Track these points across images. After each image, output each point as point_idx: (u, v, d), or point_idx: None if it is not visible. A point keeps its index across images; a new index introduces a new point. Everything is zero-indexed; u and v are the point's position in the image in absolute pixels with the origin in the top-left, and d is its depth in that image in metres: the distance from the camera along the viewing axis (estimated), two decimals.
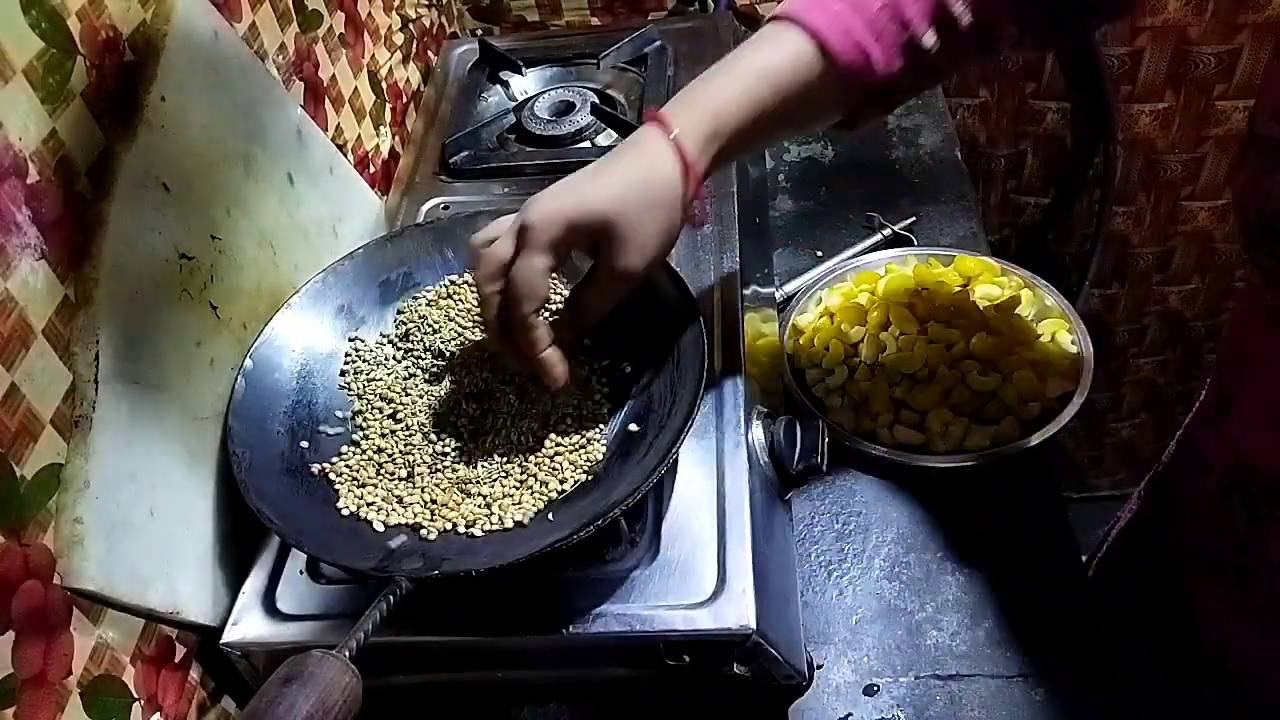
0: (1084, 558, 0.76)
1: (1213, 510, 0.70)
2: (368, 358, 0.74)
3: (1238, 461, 0.66)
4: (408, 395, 0.71)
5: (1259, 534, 0.65)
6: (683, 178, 0.58)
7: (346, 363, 0.74)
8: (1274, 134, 0.53)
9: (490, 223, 0.65)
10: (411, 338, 0.74)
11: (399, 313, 0.76)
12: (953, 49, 0.60)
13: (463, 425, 0.68)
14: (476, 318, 0.75)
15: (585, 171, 0.61)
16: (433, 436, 0.68)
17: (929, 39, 0.58)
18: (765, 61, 0.59)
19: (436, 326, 0.75)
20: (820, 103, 0.61)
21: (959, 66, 0.64)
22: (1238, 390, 0.67)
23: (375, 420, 0.70)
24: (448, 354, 0.73)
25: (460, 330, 0.75)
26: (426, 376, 0.72)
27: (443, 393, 0.71)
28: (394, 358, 0.74)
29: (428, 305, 0.76)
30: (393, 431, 0.69)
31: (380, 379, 0.72)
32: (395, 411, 0.70)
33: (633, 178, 0.59)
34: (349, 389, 0.72)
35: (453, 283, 0.78)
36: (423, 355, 0.74)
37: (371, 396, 0.71)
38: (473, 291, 0.76)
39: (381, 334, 0.76)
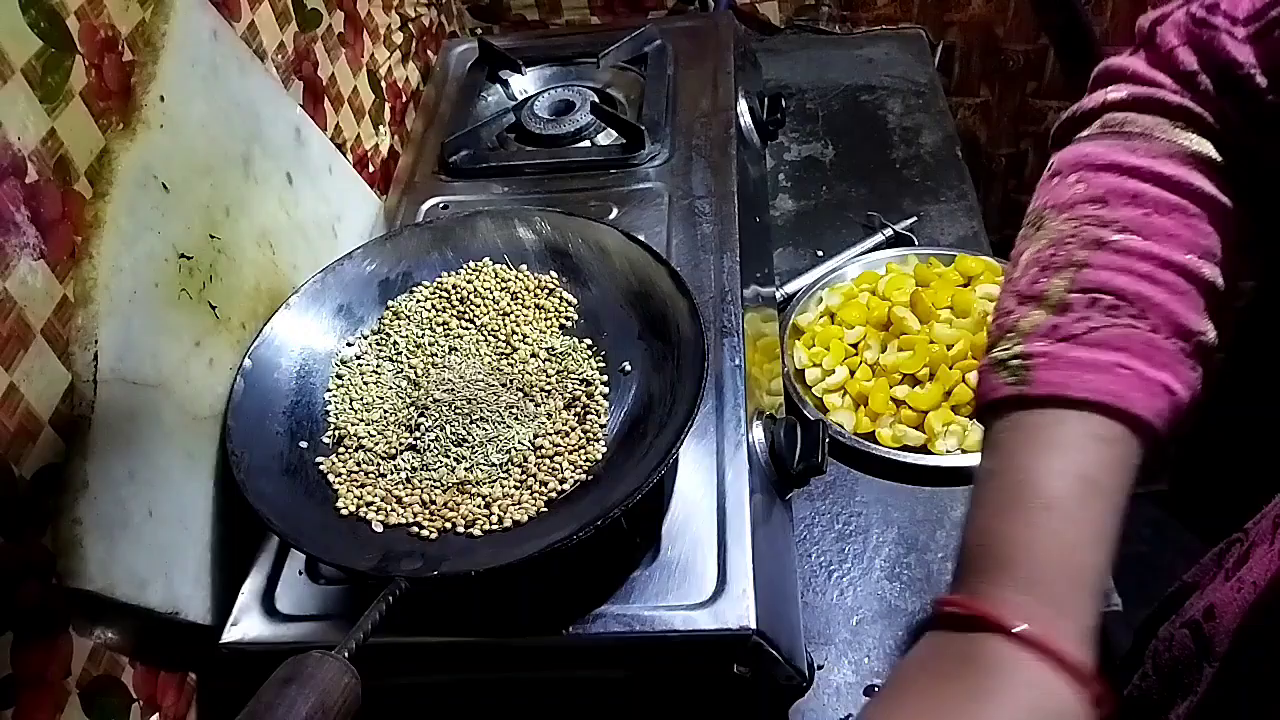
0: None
1: None
2: (366, 357, 0.74)
3: None
4: (407, 395, 0.71)
5: None
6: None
7: (345, 363, 0.73)
8: None
9: None
10: (409, 337, 0.74)
11: (396, 313, 0.76)
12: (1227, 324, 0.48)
13: (462, 425, 0.68)
14: (474, 316, 0.75)
15: None
16: (431, 436, 0.68)
17: (1211, 332, 0.47)
18: (1079, 470, 0.43)
19: (435, 325, 0.75)
20: (1135, 476, 0.46)
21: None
22: None
23: (374, 420, 0.70)
24: (447, 353, 0.73)
25: (459, 329, 0.74)
26: (425, 376, 0.72)
27: (442, 392, 0.70)
28: (392, 358, 0.74)
29: (425, 304, 0.76)
30: (392, 431, 0.69)
31: (379, 379, 0.72)
32: (394, 411, 0.70)
33: None
34: (348, 389, 0.72)
35: (451, 281, 0.77)
36: (421, 354, 0.73)
37: (370, 396, 0.71)
38: (469, 288, 0.76)
39: (380, 333, 0.75)
